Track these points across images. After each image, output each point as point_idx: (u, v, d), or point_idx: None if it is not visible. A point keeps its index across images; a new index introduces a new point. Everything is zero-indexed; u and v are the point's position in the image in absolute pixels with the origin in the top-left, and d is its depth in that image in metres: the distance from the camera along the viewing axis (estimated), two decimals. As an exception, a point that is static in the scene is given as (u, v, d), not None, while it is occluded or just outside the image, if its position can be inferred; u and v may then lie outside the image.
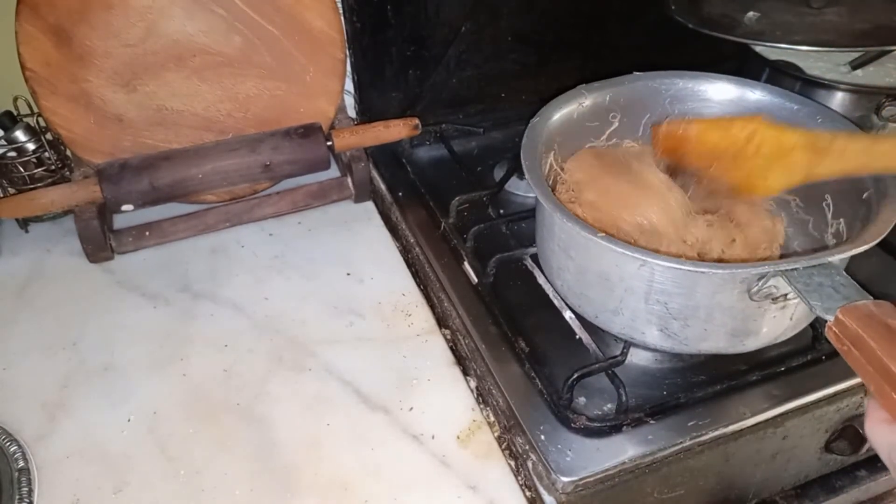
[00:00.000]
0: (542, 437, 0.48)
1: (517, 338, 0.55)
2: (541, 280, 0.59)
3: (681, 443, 0.47)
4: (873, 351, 0.34)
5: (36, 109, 0.66)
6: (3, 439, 0.49)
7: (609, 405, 0.50)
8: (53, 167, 0.70)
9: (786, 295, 0.43)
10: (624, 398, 0.49)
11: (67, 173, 0.70)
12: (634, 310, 0.47)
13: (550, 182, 0.56)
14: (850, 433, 0.54)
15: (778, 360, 0.53)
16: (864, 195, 0.49)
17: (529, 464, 0.48)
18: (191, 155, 0.66)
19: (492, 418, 0.52)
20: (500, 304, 0.58)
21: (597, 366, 0.50)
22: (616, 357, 0.51)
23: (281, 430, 0.51)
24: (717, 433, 0.48)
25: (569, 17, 0.81)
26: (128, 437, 0.51)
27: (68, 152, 0.69)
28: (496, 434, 0.51)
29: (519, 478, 0.48)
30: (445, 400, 0.53)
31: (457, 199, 0.68)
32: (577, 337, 0.55)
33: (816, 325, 0.53)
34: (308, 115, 0.72)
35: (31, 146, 0.68)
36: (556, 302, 0.57)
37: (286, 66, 0.70)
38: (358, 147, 0.72)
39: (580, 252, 0.48)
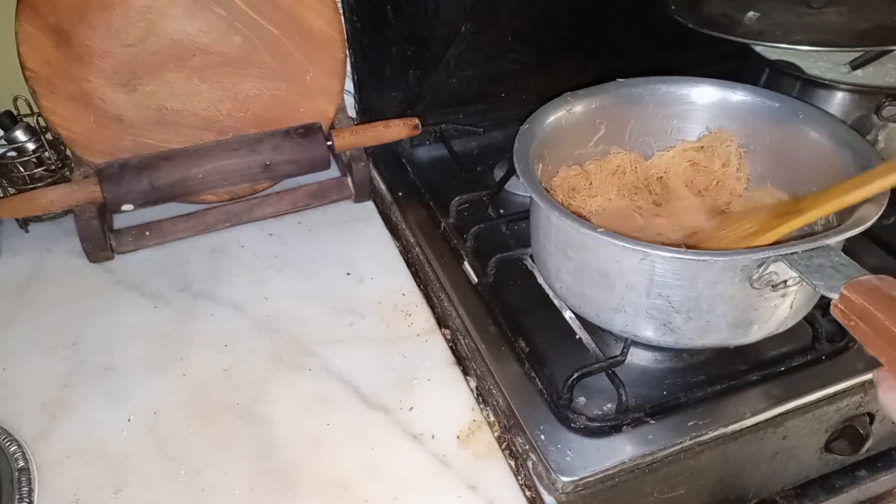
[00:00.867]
0: (542, 436, 0.48)
1: (517, 338, 0.55)
2: (540, 280, 0.59)
3: (681, 443, 0.47)
4: (881, 322, 0.35)
5: (36, 109, 0.66)
6: (3, 439, 0.49)
7: (609, 405, 0.50)
8: (53, 167, 0.70)
9: (786, 281, 0.43)
10: (624, 398, 0.49)
11: (67, 173, 0.70)
12: (636, 306, 0.47)
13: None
14: (850, 433, 0.54)
15: (778, 359, 0.53)
16: None
17: (529, 464, 0.48)
18: (191, 155, 0.66)
19: (492, 418, 0.52)
20: (499, 304, 0.58)
21: (597, 365, 0.50)
22: (616, 357, 0.51)
23: (281, 430, 0.51)
24: (717, 433, 0.48)
25: (569, 17, 0.81)
26: (128, 437, 0.51)
27: (68, 152, 0.69)
28: (496, 434, 0.51)
29: (519, 478, 0.48)
30: (445, 400, 0.53)
31: (457, 199, 0.68)
32: (577, 337, 0.55)
33: (816, 325, 0.53)
34: (308, 115, 0.72)
35: (31, 146, 0.68)
36: (555, 302, 0.57)
37: (286, 66, 0.70)
38: (358, 147, 0.72)
39: (579, 250, 0.48)
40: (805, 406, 0.51)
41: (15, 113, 0.68)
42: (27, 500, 0.46)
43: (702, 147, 0.61)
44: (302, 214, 0.73)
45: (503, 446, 0.50)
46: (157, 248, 0.68)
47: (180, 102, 0.68)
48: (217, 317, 0.61)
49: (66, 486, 0.48)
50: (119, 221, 0.70)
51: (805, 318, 0.50)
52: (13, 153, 0.69)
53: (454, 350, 0.58)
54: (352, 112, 0.81)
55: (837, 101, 0.65)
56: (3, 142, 0.68)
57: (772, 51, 0.69)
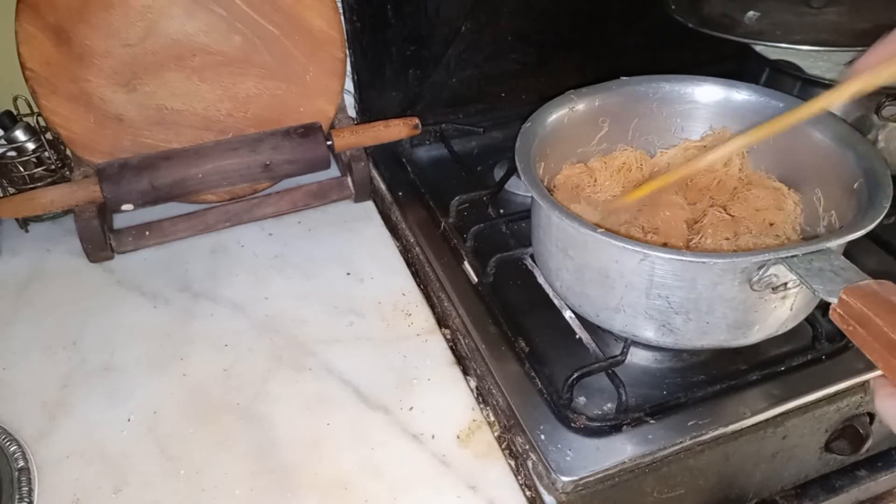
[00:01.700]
0: (542, 436, 0.48)
1: (517, 337, 0.55)
2: (540, 279, 0.59)
3: (681, 442, 0.47)
4: (879, 327, 0.34)
5: (36, 109, 0.66)
6: (3, 439, 0.49)
7: (609, 405, 0.50)
8: (53, 167, 0.70)
9: (786, 284, 0.43)
10: (624, 398, 0.49)
11: (67, 173, 0.70)
12: (636, 306, 0.47)
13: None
14: (850, 433, 0.54)
15: (778, 359, 0.53)
16: (855, 185, 0.49)
17: (529, 463, 0.48)
18: (191, 155, 0.66)
19: (492, 418, 0.52)
20: (499, 304, 0.58)
21: (597, 365, 0.50)
22: (616, 357, 0.51)
23: (281, 430, 0.51)
24: (717, 433, 0.48)
25: (569, 17, 0.81)
26: (128, 437, 0.51)
27: (68, 152, 0.69)
28: (496, 434, 0.51)
29: (519, 477, 0.48)
30: (445, 400, 0.53)
31: (457, 198, 0.68)
32: (577, 336, 0.55)
33: (816, 325, 0.53)
34: (308, 115, 0.72)
35: (30, 146, 0.68)
36: (555, 301, 0.57)
37: (286, 66, 0.70)
38: (358, 147, 0.72)
39: (579, 250, 0.48)
40: (805, 406, 0.51)
41: (15, 113, 0.68)
42: (27, 500, 0.46)
43: (705, 146, 0.61)
44: (302, 214, 0.73)
45: (503, 446, 0.50)
46: (157, 248, 0.68)
47: (180, 102, 0.68)
48: (217, 317, 0.61)
49: (66, 485, 0.48)
50: (119, 221, 0.70)
51: (805, 318, 0.50)
52: (13, 153, 0.68)
53: (454, 350, 0.58)
54: (352, 112, 0.81)
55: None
56: (3, 142, 0.68)
57: (772, 50, 0.69)
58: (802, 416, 0.51)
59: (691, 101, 0.61)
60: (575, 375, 0.49)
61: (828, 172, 0.53)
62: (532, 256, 0.60)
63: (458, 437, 0.50)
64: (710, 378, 0.52)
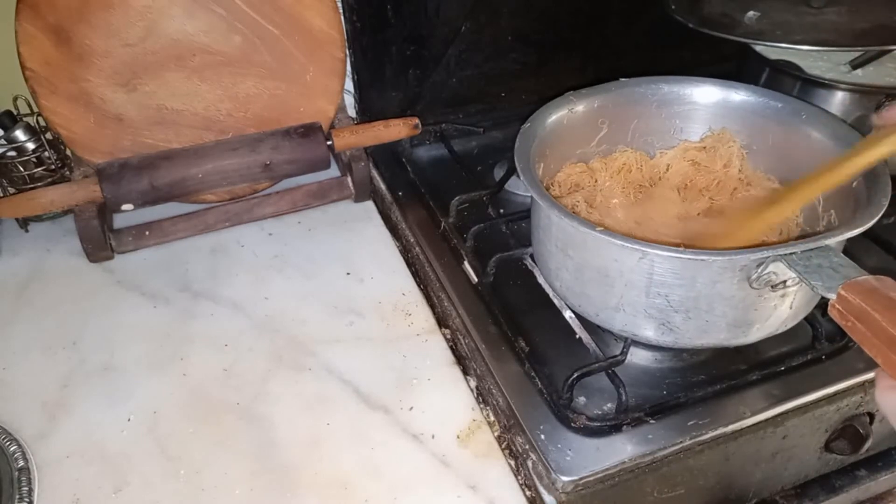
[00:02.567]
0: (542, 436, 0.48)
1: (517, 337, 0.55)
2: (540, 279, 0.59)
3: (681, 442, 0.47)
4: (878, 323, 0.35)
5: (36, 109, 0.66)
6: (3, 439, 0.49)
7: (609, 405, 0.50)
8: (53, 167, 0.70)
9: (785, 282, 0.43)
10: (624, 398, 0.49)
11: (67, 173, 0.70)
12: (635, 305, 0.47)
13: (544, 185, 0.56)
14: (850, 433, 0.54)
15: (778, 359, 0.53)
16: (854, 183, 0.49)
17: (529, 463, 0.48)
18: (191, 154, 0.66)
19: (492, 418, 0.52)
20: (499, 304, 0.58)
21: (597, 365, 0.50)
22: (616, 356, 0.51)
23: (281, 430, 0.51)
24: (717, 433, 0.48)
25: (569, 17, 0.81)
26: (128, 437, 0.51)
27: (68, 152, 0.69)
28: (496, 434, 0.51)
29: (519, 477, 0.48)
30: (445, 399, 0.53)
31: (457, 198, 0.68)
32: (577, 336, 0.55)
33: (816, 325, 0.53)
34: (308, 115, 0.72)
35: (30, 146, 0.68)
36: (555, 301, 0.57)
37: (286, 66, 0.70)
38: (358, 147, 0.72)
39: (578, 249, 0.48)
40: (805, 406, 0.51)
41: (15, 113, 0.68)
42: (27, 500, 0.46)
43: (704, 147, 0.61)
44: (302, 214, 0.73)
45: (503, 446, 0.50)
46: (157, 248, 0.68)
47: (180, 102, 0.68)
48: (217, 317, 0.61)
49: (66, 485, 0.48)
50: (119, 221, 0.70)
51: (805, 318, 0.50)
52: (13, 153, 0.68)
53: (454, 350, 0.58)
54: (352, 112, 0.81)
55: (837, 101, 0.65)
56: (3, 141, 0.68)
57: (772, 50, 0.69)
58: (802, 416, 0.51)
59: (690, 102, 0.61)
60: (575, 375, 0.49)
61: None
62: (532, 256, 0.60)
63: (458, 436, 0.50)
64: (710, 378, 0.52)
